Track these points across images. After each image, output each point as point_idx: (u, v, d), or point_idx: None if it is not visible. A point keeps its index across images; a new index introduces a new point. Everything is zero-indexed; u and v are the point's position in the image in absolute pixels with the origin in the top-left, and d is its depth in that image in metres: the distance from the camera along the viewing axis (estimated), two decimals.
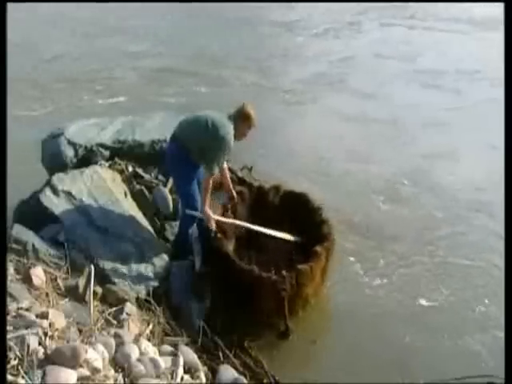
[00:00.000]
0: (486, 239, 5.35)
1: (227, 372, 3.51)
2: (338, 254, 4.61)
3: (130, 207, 4.77)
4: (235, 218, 4.73)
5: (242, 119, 4.25)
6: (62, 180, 4.63)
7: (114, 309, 3.68)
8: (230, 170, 5.47)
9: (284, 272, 4.05)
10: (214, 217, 4.38)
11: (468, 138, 7.35)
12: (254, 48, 11.31)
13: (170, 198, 4.98)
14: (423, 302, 4.60)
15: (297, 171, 6.31)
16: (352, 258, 5.05)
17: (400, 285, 4.79)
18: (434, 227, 5.60)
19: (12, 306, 3.05)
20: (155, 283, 4.26)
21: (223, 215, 4.63)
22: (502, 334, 4.03)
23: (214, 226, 4.33)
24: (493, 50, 10.39)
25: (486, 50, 10.74)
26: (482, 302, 4.59)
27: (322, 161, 6.78)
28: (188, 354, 3.47)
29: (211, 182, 4.25)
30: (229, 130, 4.16)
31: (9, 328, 2.75)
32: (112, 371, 2.93)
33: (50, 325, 2.94)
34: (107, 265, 4.19)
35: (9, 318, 2.89)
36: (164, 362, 3.19)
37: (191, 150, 4.25)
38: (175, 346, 3.54)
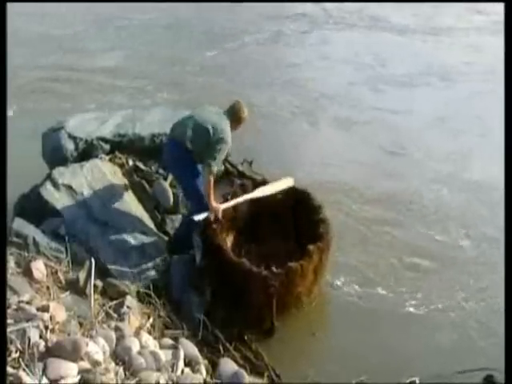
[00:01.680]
0: None
1: (227, 365, 3.52)
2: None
3: (131, 201, 4.77)
4: (236, 211, 4.73)
5: (235, 119, 4.39)
6: (62, 174, 4.63)
7: (115, 302, 3.69)
8: (231, 164, 5.48)
9: (274, 268, 4.03)
10: (222, 206, 4.40)
11: (476, 135, 7.21)
12: (178, 58, 10.13)
13: (170, 191, 4.98)
14: (420, 302, 4.59)
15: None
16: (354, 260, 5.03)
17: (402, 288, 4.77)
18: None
19: (13, 299, 3.05)
20: (155, 277, 4.27)
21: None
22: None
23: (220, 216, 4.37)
24: (440, 52, 10.16)
25: (433, 51, 10.31)
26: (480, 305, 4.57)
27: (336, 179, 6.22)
28: (188, 347, 3.48)
29: (212, 179, 4.27)
30: (229, 133, 4.29)
31: (10, 321, 2.76)
32: (113, 364, 2.94)
33: (50, 318, 2.94)
34: (108, 258, 4.20)
35: (10, 311, 2.90)
36: (164, 355, 3.20)
37: (193, 151, 4.30)
38: (175, 339, 3.55)
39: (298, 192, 4.84)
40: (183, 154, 4.31)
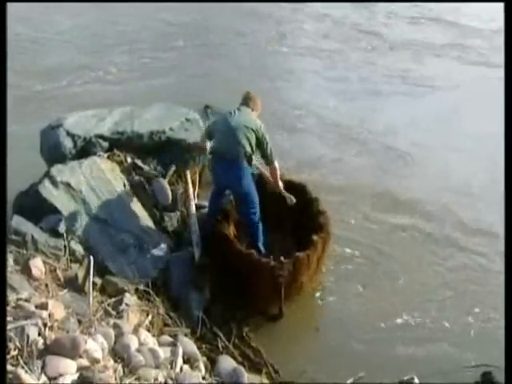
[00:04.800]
0: None
1: (226, 362, 3.53)
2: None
3: (129, 198, 4.77)
4: (232, 205, 4.79)
5: (255, 106, 4.62)
6: (60, 171, 4.62)
7: (114, 299, 3.69)
8: None
9: (282, 258, 4.14)
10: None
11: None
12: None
13: (168, 189, 4.98)
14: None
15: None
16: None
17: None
18: None
19: (11, 297, 3.05)
20: (154, 274, 4.27)
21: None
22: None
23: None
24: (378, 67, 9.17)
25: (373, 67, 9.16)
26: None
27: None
28: (187, 344, 3.49)
29: (278, 168, 4.67)
30: (259, 122, 4.48)
31: (8, 319, 2.76)
32: (111, 361, 2.94)
33: (49, 315, 2.94)
34: (106, 256, 4.20)
35: (8, 308, 2.90)
36: (163, 353, 3.20)
37: (245, 155, 4.40)
38: (174, 336, 3.56)
39: (295, 185, 4.93)
40: (234, 164, 4.39)
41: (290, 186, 4.90)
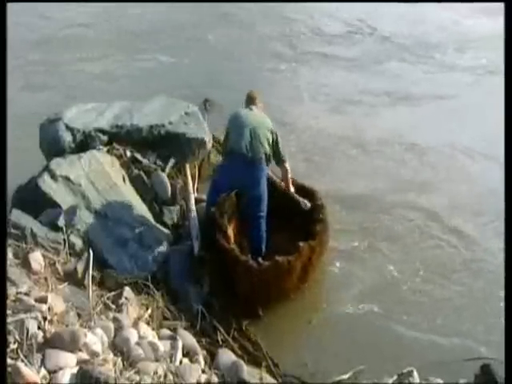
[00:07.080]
0: None
1: (226, 355, 3.54)
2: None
3: (129, 192, 4.77)
4: (238, 201, 4.71)
5: (259, 104, 4.72)
6: (60, 165, 4.61)
7: (113, 293, 3.69)
8: None
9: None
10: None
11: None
12: None
13: (168, 182, 4.98)
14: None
15: None
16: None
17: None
18: None
19: (11, 291, 3.05)
20: (154, 268, 4.28)
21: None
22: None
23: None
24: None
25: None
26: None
27: None
28: (187, 337, 3.50)
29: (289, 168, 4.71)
30: (269, 120, 4.59)
31: (8, 312, 2.76)
32: (111, 355, 2.95)
33: (49, 309, 2.95)
34: (106, 249, 4.20)
35: (8, 302, 2.90)
36: (163, 346, 3.21)
37: (263, 156, 4.42)
38: (174, 329, 3.56)
39: (306, 190, 4.90)
40: (255, 165, 4.40)
41: (301, 189, 4.89)
